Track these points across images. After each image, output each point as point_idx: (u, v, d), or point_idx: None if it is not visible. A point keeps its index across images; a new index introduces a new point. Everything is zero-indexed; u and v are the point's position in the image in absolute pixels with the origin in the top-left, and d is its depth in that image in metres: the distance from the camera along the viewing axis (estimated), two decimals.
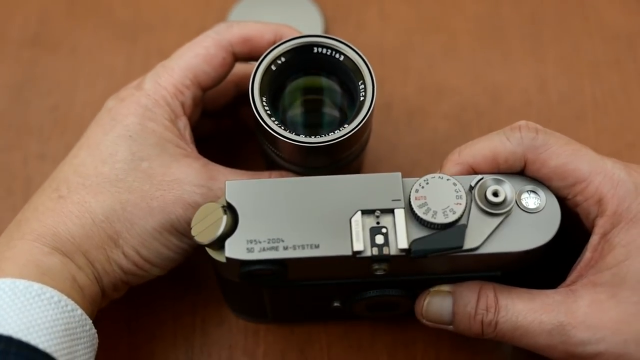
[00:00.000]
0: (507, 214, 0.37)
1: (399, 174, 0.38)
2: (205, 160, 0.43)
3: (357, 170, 0.47)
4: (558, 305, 0.36)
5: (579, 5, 0.58)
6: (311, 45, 0.42)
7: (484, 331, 0.38)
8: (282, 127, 0.40)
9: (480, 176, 0.38)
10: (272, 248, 0.36)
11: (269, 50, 0.41)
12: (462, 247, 0.36)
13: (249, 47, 0.44)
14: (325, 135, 0.40)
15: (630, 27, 0.57)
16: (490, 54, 0.56)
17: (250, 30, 0.44)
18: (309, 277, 0.39)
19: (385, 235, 0.36)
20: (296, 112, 0.45)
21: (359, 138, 0.42)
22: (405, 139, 0.53)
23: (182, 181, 0.41)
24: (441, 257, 0.37)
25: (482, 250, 0.37)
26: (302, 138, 0.40)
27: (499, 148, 0.38)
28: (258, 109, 0.40)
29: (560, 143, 0.38)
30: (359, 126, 0.40)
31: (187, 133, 0.43)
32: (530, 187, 0.38)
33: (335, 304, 0.42)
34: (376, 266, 0.37)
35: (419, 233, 0.37)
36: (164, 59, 0.57)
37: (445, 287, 0.39)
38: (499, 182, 0.37)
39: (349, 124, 0.40)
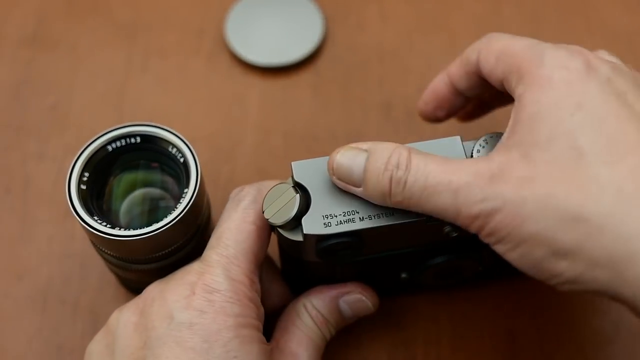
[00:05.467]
0: None
1: (459, 137, 0.38)
2: (267, 344, 0.39)
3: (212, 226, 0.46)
4: (469, 167, 0.35)
5: (580, 4, 0.58)
6: (104, 146, 0.41)
7: (392, 190, 0.36)
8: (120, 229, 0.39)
9: None
10: (348, 220, 0.37)
11: (68, 176, 0.40)
12: None
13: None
14: (175, 209, 0.39)
15: (631, 27, 0.57)
16: None
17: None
18: (380, 248, 0.40)
19: None
20: (133, 213, 0.43)
21: (202, 197, 0.41)
22: (405, 139, 0.53)
23: None
24: None
25: None
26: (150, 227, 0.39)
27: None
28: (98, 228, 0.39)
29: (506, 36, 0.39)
30: (197, 185, 0.39)
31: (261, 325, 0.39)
32: None
33: (403, 275, 0.44)
34: (448, 228, 0.38)
35: None
36: (163, 58, 0.57)
37: (363, 145, 0.38)
38: None
39: (186, 192, 0.40)
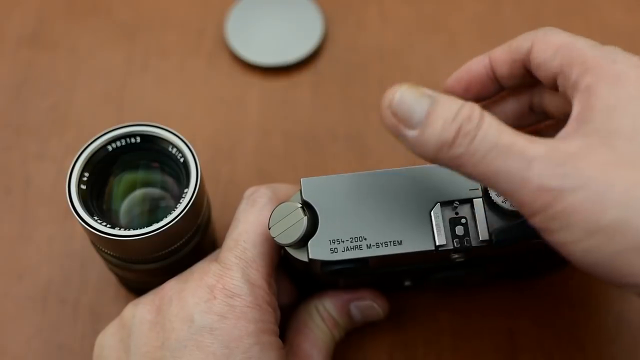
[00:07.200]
0: None
1: None
2: (284, 349, 0.40)
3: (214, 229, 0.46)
4: (546, 141, 0.32)
5: (580, 4, 0.58)
6: (104, 146, 0.41)
7: (456, 141, 0.33)
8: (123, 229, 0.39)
9: None
10: (355, 247, 0.36)
11: (68, 176, 0.39)
12: None
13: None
14: (176, 209, 0.39)
15: (631, 26, 0.57)
16: None
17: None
18: (386, 266, 0.39)
19: (465, 225, 0.37)
20: (133, 213, 0.43)
21: (202, 197, 0.41)
22: None
23: None
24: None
25: None
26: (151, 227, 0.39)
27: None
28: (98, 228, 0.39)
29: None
30: (197, 184, 0.39)
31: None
32: None
33: (406, 283, 0.43)
34: (455, 255, 0.37)
35: (498, 221, 0.37)
36: (163, 58, 0.57)
37: (427, 91, 0.35)
38: None
39: (186, 192, 0.40)
